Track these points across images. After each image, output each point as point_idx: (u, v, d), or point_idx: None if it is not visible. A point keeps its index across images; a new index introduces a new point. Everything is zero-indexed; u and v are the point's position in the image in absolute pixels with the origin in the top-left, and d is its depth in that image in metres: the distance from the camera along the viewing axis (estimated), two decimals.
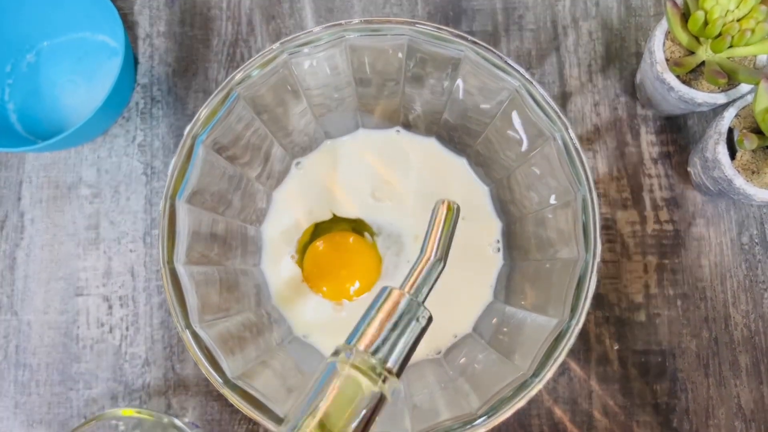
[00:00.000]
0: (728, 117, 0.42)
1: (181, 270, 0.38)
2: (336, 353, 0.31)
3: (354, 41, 0.39)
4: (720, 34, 0.40)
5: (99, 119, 0.47)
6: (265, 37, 0.53)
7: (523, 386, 0.36)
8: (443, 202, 0.35)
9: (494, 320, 0.45)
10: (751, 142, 0.40)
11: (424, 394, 0.41)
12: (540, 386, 0.35)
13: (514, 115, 0.40)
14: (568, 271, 0.38)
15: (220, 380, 0.37)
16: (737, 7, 0.40)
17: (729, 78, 0.41)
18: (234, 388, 0.37)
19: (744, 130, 0.42)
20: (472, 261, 0.47)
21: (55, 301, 0.50)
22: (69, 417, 0.48)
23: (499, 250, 0.47)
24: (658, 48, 0.43)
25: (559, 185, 0.39)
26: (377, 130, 0.49)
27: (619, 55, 0.51)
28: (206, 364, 0.37)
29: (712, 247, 0.49)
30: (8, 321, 0.50)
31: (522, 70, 0.37)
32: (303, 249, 0.47)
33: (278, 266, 0.47)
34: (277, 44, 0.38)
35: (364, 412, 0.29)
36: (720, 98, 0.42)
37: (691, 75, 0.44)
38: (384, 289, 0.33)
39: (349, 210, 0.48)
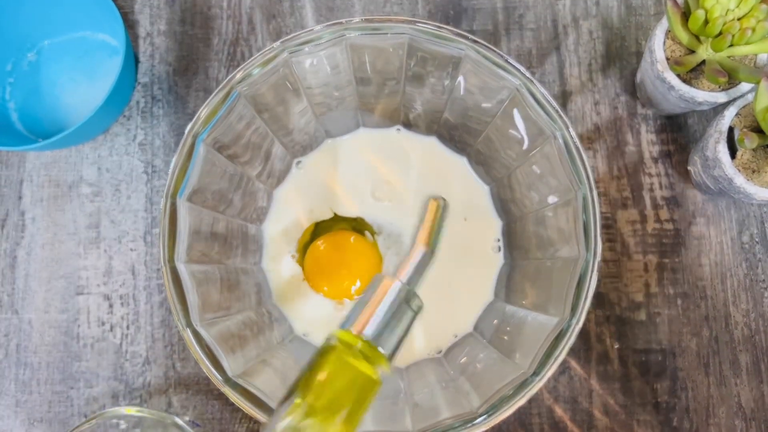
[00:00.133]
0: (729, 116, 0.42)
1: (182, 268, 0.38)
2: (330, 337, 0.31)
3: (354, 40, 0.39)
4: (720, 33, 0.40)
5: (100, 118, 0.47)
6: (265, 35, 0.53)
7: (523, 385, 0.36)
8: (433, 199, 0.38)
9: (495, 319, 0.45)
10: (751, 141, 0.40)
11: (424, 393, 0.42)
12: (540, 385, 0.35)
13: (515, 114, 0.40)
14: (568, 270, 0.38)
15: (220, 378, 0.37)
16: (737, 6, 0.40)
17: (729, 77, 0.41)
18: (235, 386, 0.37)
19: (744, 129, 0.42)
20: (472, 260, 0.47)
21: (56, 300, 0.50)
22: (70, 416, 0.48)
23: (499, 249, 0.47)
24: (658, 47, 0.43)
25: (560, 184, 0.39)
26: (378, 129, 0.49)
27: (620, 54, 0.51)
28: (207, 362, 0.37)
29: (713, 246, 0.49)
30: (9, 320, 0.50)
31: (522, 69, 0.37)
32: (303, 248, 0.47)
33: (279, 265, 0.47)
34: (278, 43, 0.38)
35: (356, 395, 0.29)
36: (720, 97, 0.42)
37: (692, 74, 0.44)
38: (378, 276, 0.33)
39: (350, 209, 0.48)
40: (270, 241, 0.48)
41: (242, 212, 0.45)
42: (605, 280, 0.48)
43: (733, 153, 0.42)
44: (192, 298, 0.38)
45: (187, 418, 0.44)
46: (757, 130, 0.42)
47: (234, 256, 0.44)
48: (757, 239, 0.49)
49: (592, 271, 0.36)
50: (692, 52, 0.43)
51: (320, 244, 0.47)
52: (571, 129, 0.37)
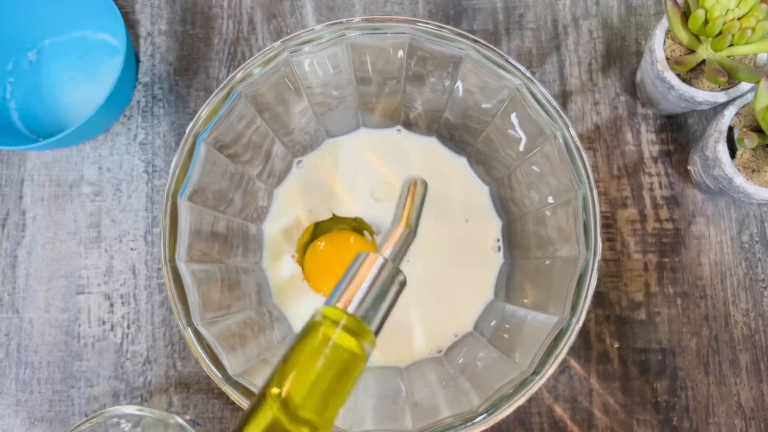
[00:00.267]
0: (728, 115, 0.42)
1: (183, 268, 0.38)
2: (315, 314, 0.30)
3: (355, 40, 0.39)
4: (720, 33, 0.41)
5: (100, 117, 0.47)
6: (266, 35, 0.53)
7: (523, 384, 0.36)
8: (413, 180, 0.38)
9: (495, 319, 0.45)
10: (751, 141, 0.40)
11: (425, 392, 0.42)
12: (540, 384, 0.35)
13: (515, 114, 0.40)
14: (568, 269, 0.38)
15: (221, 377, 0.37)
16: (737, 5, 0.40)
17: (729, 76, 0.41)
18: (235, 385, 0.37)
19: (744, 129, 0.42)
20: (472, 260, 0.47)
21: (57, 299, 0.50)
22: (70, 415, 0.48)
23: (499, 248, 0.47)
24: (658, 47, 0.43)
25: (560, 184, 0.39)
26: (378, 129, 0.49)
27: (620, 53, 0.52)
28: (208, 361, 0.37)
29: (712, 245, 0.49)
30: (10, 319, 0.50)
31: (523, 69, 0.38)
32: (303, 248, 0.48)
33: (279, 264, 0.48)
34: (278, 42, 0.38)
35: (341, 369, 0.29)
36: (720, 97, 0.43)
37: (692, 73, 0.44)
38: (361, 253, 0.33)
39: (350, 209, 0.48)
40: (270, 241, 0.48)
41: (243, 212, 0.45)
42: (605, 280, 0.48)
43: (732, 152, 0.42)
44: (193, 297, 0.38)
45: (187, 417, 0.44)
46: (757, 129, 0.42)
47: (234, 256, 0.44)
48: (756, 238, 0.49)
49: (592, 271, 0.36)
50: (692, 51, 0.43)
51: (320, 244, 0.47)
52: (571, 129, 0.37)
